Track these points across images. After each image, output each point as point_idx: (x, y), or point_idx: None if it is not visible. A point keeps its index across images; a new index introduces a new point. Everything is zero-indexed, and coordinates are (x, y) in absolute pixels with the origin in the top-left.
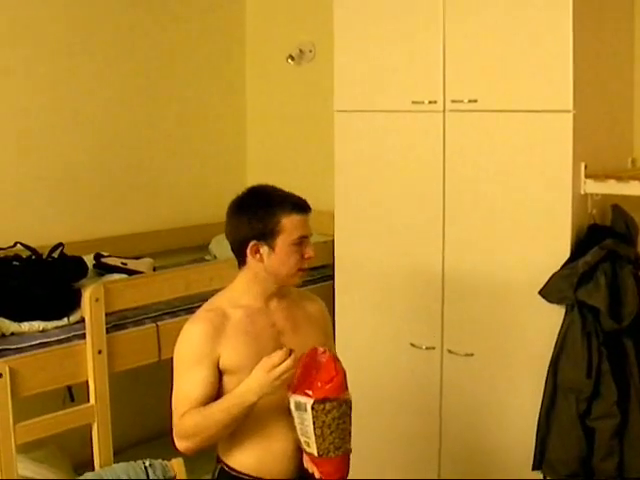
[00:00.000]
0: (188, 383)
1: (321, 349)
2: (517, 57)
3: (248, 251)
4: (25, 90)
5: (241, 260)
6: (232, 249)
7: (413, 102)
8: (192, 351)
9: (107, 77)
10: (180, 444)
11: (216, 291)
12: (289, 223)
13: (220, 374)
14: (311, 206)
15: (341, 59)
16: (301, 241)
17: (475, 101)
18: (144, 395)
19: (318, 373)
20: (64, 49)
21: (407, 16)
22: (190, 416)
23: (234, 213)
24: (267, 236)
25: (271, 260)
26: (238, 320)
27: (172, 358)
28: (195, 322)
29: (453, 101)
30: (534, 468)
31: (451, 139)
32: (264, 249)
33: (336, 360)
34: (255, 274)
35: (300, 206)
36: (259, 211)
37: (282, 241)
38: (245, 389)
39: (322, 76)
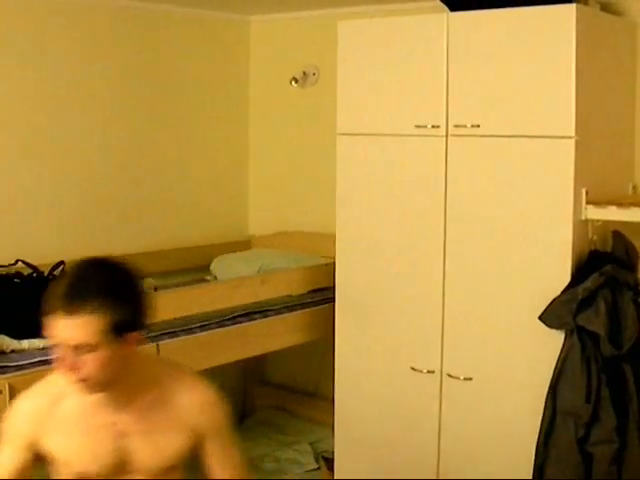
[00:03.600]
0: (2, 457)
1: None
2: (520, 83)
3: None
4: (30, 108)
5: None
6: None
7: (416, 126)
8: (11, 426)
9: (112, 98)
10: None
11: (218, 312)
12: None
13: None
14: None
15: (344, 82)
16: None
17: (478, 126)
18: None
19: None
20: (72, 72)
21: (410, 40)
22: None
23: None
24: None
25: None
26: (72, 410)
27: None
28: (28, 397)
29: (456, 126)
30: None
31: (453, 163)
32: None
33: None
34: None
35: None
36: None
37: None
38: None
39: (325, 99)
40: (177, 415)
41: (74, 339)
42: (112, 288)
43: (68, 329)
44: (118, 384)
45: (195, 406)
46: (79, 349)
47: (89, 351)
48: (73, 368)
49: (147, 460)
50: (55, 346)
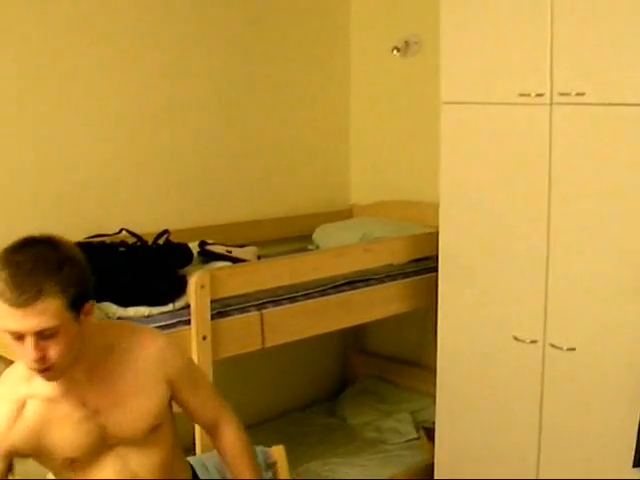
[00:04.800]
0: None
1: None
2: (627, 48)
3: None
4: (133, 81)
5: None
6: None
7: (520, 94)
8: None
9: (213, 67)
10: None
11: (321, 281)
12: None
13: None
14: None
15: (448, 51)
16: (18, 337)
17: (583, 94)
18: (246, 382)
19: None
20: (170, 40)
21: (515, 7)
22: None
23: None
24: None
25: None
26: (38, 407)
27: (274, 346)
28: None
29: (560, 94)
30: (635, 465)
31: (558, 132)
32: None
33: None
34: None
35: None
36: None
37: None
38: None
39: (427, 68)
40: (141, 373)
41: (36, 327)
42: (58, 263)
43: (28, 319)
44: (79, 360)
45: (155, 357)
46: (42, 336)
47: (52, 335)
48: (39, 358)
49: (125, 429)
50: (16, 339)
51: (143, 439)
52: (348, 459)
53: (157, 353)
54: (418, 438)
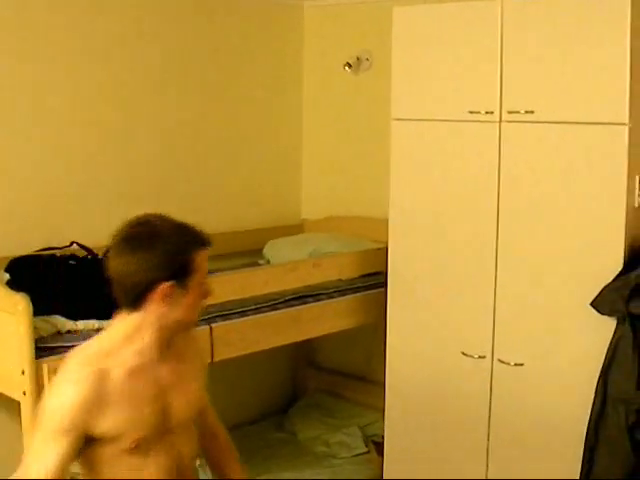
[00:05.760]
0: (48, 450)
1: None
2: (574, 69)
3: (157, 294)
4: (86, 95)
5: (135, 305)
6: (123, 293)
7: (470, 112)
8: (62, 417)
9: (166, 83)
10: None
11: (271, 295)
12: (201, 259)
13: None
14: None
15: (398, 68)
16: (205, 279)
17: (532, 112)
18: None
19: None
20: (127, 60)
21: (465, 26)
22: None
23: (132, 248)
24: (181, 276)
25: (181, 304)
26: (119, 382)
27: (223, 360)
28: (72, 382)
29: (509, 112)
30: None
31: (507, 150)
32: (177, 292)
33: None
34: (151, 323)
35: (207, 239)
36: (170, 246)
37: (195, 281)
38: None
39: (379, 84)
40: (193, 358)
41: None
42: None
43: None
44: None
45: (198, 346)
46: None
47: None
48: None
49: (183, 411)
50: (205, 279)
51: (189, 425)
52: (297, 473)
53: (198, 344)
54: (368, 452)
